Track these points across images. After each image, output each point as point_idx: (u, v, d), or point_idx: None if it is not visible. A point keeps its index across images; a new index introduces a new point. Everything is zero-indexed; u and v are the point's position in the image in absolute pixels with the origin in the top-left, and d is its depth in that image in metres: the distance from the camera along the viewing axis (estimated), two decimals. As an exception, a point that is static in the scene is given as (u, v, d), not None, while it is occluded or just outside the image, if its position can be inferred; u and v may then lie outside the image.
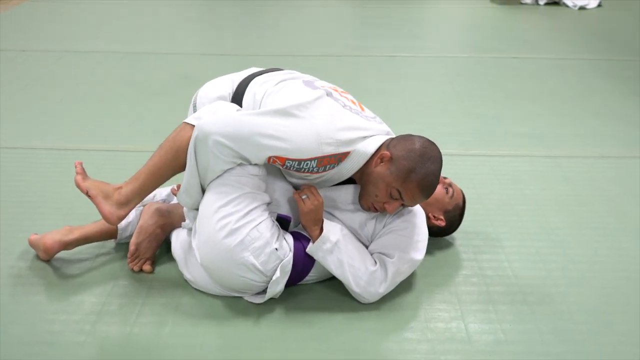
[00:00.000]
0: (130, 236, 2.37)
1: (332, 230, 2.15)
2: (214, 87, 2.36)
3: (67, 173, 2.91)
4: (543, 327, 2.12)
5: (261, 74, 2.33)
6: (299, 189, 2.20)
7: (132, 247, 2.31)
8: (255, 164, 2.08)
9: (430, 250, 2.43)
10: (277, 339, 2.04)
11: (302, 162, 2.04)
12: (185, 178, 2.12)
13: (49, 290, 2.22)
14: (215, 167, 2.05)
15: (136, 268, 2.31)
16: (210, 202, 2.09)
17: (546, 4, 6.84)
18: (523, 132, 3.60)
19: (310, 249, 2.14)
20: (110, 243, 2.45)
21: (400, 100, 4.04)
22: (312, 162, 2.04)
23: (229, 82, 2.34)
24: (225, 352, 1.99)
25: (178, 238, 2.31)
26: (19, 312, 2.11)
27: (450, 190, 2.44)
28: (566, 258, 2.48)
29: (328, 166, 2.08)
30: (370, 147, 2.10)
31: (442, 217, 2.43)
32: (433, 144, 2.13)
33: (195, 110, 2.32)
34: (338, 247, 2.13)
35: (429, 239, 2.30)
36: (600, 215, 2.78)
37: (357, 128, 2.10)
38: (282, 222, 2.20)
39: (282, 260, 2.10)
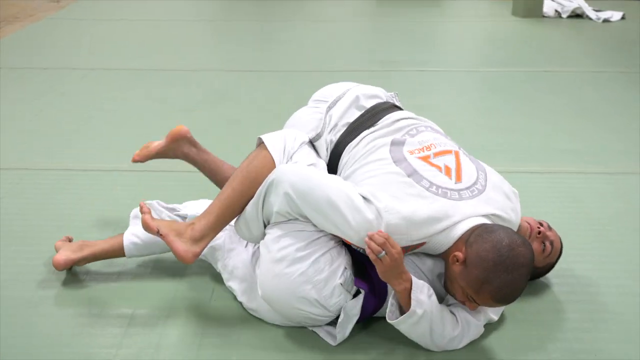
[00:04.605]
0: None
1: (420, 299, 1.91)
2: (334, 92, 2.34)
3: (101, 194, 2.92)
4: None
5: (372, 125, 2.22)
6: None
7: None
8: None
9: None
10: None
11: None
12: (248, 210, 2.05)
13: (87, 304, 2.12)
14: (279, 214, 1.99)
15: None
16: (271, 232, 2.00)
17: (569, 17, 6.74)
18: (572, 148, 3.50)
19: (397, 322, 1.93)
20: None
21: (431, 116, 3.92)
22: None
23: (354, 111, 2.28)
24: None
25: (233, 273, 2.20)
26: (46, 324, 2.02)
27: (549, 248, 2.19)
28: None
29: None
30: (449, 238, 1.93)
31: None
32: (514, 246, 1.83)
33: (309, 101, 2.37)
34: (424, 317, 1.92)
35: None
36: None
37: (438, 220, 1.91)
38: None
39: (347, 293, 1.98)
